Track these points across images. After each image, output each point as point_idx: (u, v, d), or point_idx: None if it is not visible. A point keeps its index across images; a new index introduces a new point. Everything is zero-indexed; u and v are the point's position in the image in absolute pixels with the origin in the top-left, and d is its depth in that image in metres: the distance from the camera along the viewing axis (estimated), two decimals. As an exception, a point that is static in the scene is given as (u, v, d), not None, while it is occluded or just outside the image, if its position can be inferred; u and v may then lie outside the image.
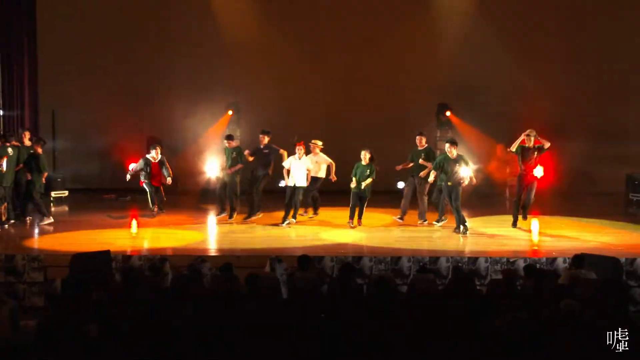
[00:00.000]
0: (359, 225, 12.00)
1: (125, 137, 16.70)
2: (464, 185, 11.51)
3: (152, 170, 13.02)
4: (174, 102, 17.14)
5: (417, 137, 12.53)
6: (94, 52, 17.31)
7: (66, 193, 15.72)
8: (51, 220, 12.43)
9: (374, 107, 17.07)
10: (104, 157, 17.52)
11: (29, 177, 12.47)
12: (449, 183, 11.46)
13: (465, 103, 16.94)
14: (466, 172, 11.52)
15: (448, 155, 11.53)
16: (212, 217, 13.22)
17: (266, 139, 12.68)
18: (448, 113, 17.00)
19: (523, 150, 11.77)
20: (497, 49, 16.57)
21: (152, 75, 17.20)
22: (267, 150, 12.67)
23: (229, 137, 13.04)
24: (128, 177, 13.16)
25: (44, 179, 12.77)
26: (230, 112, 17.23)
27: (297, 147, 12.27)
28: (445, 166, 11.49)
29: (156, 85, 17.27)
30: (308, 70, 17.18)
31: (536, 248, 10.81)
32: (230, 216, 12.73)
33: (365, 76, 17.26)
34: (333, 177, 12.71)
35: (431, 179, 11.83)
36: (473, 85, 16.82)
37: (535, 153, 11.73)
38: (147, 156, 13.10)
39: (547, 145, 11.65)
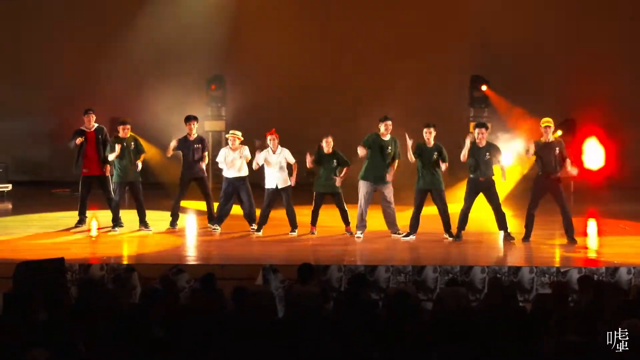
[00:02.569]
0: (350, 232, 11.83)
1: (81, 117, 16.72)
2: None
3: (87, 150, 12.12)
4: (140, 75, 17.14)
5: (385, 123, 11.61)
6: (41, 6, 17.29)
7: (9, 187, 15.74)
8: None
9: (391, 80, 17.05)
10: (56, 141, 17.51)
11: None
12: (481, 178, 11.29)
13: (505, 76, 16.90)
14: (506, 161, 11.47)
15: (476, 143, 11.31)
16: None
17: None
18: (484, 88, 16.98)
19: (540, 148, 11.09)
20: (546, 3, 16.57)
21: (113, 40, 17.17)
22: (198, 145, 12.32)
23: (124, 123, 12.02)
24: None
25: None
26: (212, 88, 17.25)
27: (269, 137, 11.77)
28: (474, 156, 11.30)
29: (118, 54, 17.23)
30: (312, 33, 17.13)
31: (594, 255, 10.81)
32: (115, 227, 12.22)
33: (379, 41, 17.24)
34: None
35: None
36: (516, 53, 16.79)
37: (557, 149, 11.09)
38: (82, 128, 12.23)
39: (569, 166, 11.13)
